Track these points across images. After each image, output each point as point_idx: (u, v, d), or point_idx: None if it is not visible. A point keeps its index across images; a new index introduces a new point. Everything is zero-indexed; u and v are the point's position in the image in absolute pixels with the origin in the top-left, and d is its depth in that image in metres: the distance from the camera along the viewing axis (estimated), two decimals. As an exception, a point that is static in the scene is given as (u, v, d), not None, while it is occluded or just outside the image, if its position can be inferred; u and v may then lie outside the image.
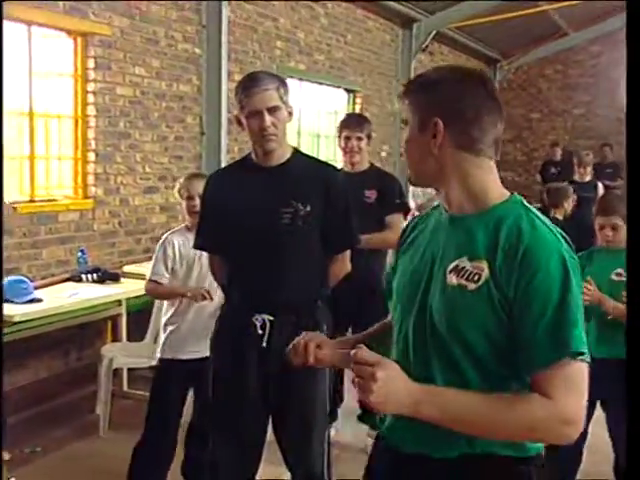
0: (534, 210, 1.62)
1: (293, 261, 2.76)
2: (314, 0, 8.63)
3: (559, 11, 12.67)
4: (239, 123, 2.78)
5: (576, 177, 7.98)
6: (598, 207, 3.67)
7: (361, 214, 3.95)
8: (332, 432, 4.38)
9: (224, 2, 6.84)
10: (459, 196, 1.63)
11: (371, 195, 4.17)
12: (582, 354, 1.48)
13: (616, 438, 3.55)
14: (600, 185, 8.18)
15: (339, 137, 4.41)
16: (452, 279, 1.57)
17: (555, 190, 5.96)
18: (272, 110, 2.67)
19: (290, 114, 2.79)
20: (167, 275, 3.62)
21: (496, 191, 1.63)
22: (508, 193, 1.65)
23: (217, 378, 2.90)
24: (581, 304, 1.52)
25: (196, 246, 3.06)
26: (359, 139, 4.25)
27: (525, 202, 1.64)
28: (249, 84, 2.70)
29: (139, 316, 5.47)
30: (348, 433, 4.63)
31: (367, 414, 4.04)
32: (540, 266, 1.48)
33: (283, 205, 2.72)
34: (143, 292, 5.25)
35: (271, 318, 2.73)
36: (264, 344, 2.72)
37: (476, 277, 1.53)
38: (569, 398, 1.46)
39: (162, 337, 3.74)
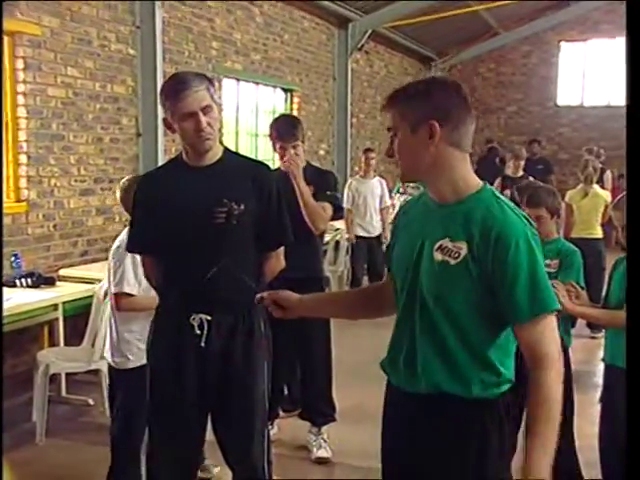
0: (503, 198, 1.99)
1: (230, 259, 2.73)
2: (249, 0, 8.63)
3: (490, 11, 12.97)
4: (169, 127, 2.75)
5: (509, 172, 8.14)
6: (524, 198, 3.74)
7: (299, 212, 3.98)
8: (275, 429, 4.43)
9: (158, 3, 6.78)
10: (445, 187, 1.99)
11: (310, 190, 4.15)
12: (557, 309, 1.94)
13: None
14: (532, 180, 8.40)
15: (273, 143, 4.32)
16: (437, 256, 1.96)
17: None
18: (206, 110, 2.66)
19: (221, 110, 2.79)
20: (137, 285, 3.40)
21: (473, 181, 2.01)
22: (482, 183, 2.01)
23: (155, 380, 2.87)
24: (545, 272, 1.95)
25: (130, 249, 3.03)
26: (294, 147, 4.19)
27: (495, 192, 2.01)
28: (179, 87, 2.66)
29: (76, 320, 5.40)
30: (289, 430, 4.66)
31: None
32: (511, 245, 1.87)
33: (217, 204, 2.71)
34: (80, 296, 5.25)
35: (209, 318, 2.72)
36: (202, 344, 2.72)
37: (456, 254, 1.93)
38: (552, 346, 1.90)
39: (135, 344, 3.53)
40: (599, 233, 7.16)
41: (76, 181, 6.28)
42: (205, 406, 2.82)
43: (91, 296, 5.09)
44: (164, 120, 2.78)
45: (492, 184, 7.03)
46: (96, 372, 4.92)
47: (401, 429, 2.09)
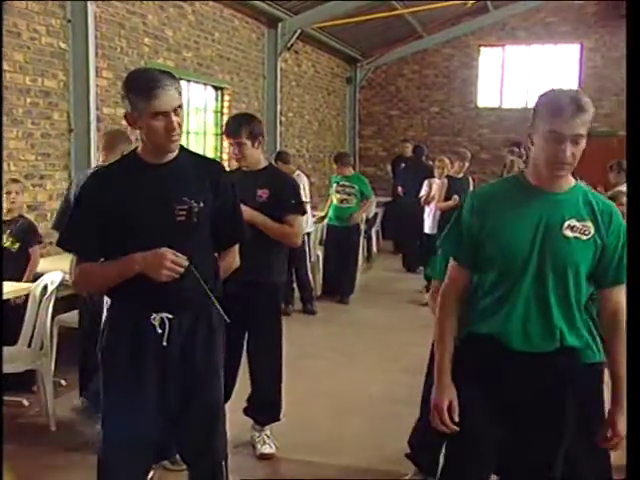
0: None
1: (190, 258, 2.68)
2: (181, -3, 8.61)
3: (415, 15, 13.27)
4: (132, 123, 2.68)
5: (452, 172, 8.64)
6: None
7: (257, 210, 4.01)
8: None
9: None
10: (566, 179, 2.48)
11: (263, 194, 4.14)
12: None
13: None
14: (471, 180, 8.80)
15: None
16: (568, 233, 2.43)
17: None
18: (177, 110, 2.64)
19: (181, 108, 2.77)
20: None
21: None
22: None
23: (111, 381, 2.82)
24: None
25: (62, 244, 2.85)
26: (239, 144, 4.19)
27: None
28: (151, 84, 2.59)
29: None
30: (234, 426, 4.68)
31: None
32: (620, 222, 2.49)
33: (177, 202, 2.68)
34: (14, 295, 5.12)
35: (170, 316, 2.71)
36: (164, 343, 2.70)
37: (587, 232, 2.44)
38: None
39: None
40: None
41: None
42: (167, 405, 2.80)
43: (26, 295, 5.01)
44: (126, 115, 2.70)
45: (423, 181, 7.30)
46: (30, 372, 4.82)
47: (528, 385, 2.51)
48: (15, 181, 5.60)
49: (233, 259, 2.98)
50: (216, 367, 2.85)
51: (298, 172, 8.46)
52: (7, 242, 5.30)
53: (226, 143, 8.74)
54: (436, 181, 8.91)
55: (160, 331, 2.70)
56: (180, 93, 2.67)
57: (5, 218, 5.32)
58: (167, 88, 2.59)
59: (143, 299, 2.70)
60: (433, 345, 3.85)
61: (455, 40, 15.28)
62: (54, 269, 5.21)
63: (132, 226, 2.69)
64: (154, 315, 2.70)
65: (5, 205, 5.28)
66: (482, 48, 15.46)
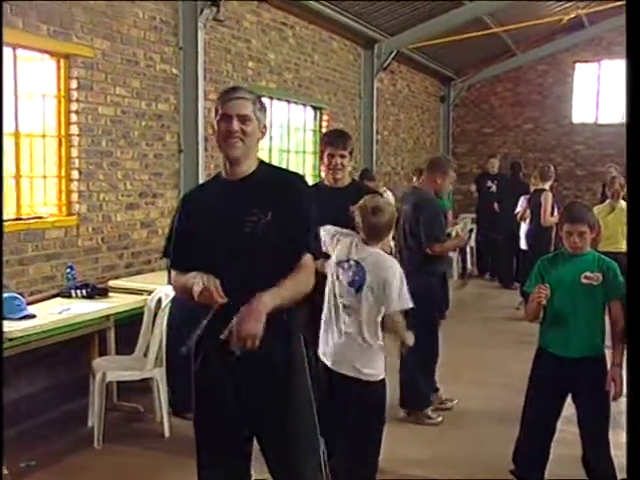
0: None
1: (258, 270, 2.71)
2: (283, 22, 8.88)
3: (508, 33, 13.22)
4: (213, 129, 2.84)
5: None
6: (566, 215, 3.94)
7: (347, 227, 4.00)
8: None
9: (200, 25, 7.05)
10: None
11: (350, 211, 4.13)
12: None
13: (585, 431, 3.87)
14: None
15: (322, 153, 4.48)
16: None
17: None
18: (242, 118, 2.73)
19: (262, 131, 2.84)
20: None
21: None
22: None
23: (197, 394, 2.89)
24: None
25: (173, 266, 2.93)
26: (342, 157, 4.34)
27: None
28: (227, 93, 2.82)
29: (124, 330, 5.56)
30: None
31: None
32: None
33: (246, 214, 2.72)
34: (130, 307, 5.42)
35: None
36: (238, 353, 2.65)
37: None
38: None
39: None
40: (624, 247, 7.36)
41: (122, 195, 6.52)
42: (246, 424, 2.82)
43: (141, 307, 5.29)
44: (211, 124, 2.90)
45: (519, 198, 7.35)
46: (145, 380, 5.09)
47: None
48: None
49: (304, 276, 2.79)
50: (296, 386, 2.80)
51: (384, 189, 8.60)
52: None
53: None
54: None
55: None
56: (254, 105, 2.78)
57: None
58: (238, 96, 2.77)
59: (218, 312, 2.70)
60: (534, 361, 3.95)
61: (549, 57, 15.12)
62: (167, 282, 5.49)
63: (207, 238, 2.78)
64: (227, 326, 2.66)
65: None
66: (577, 64, 15.24)
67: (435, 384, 5.43)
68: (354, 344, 3.79)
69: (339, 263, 3.88)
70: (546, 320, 3.88)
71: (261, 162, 2.89)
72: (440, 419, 5.26)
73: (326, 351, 3.88)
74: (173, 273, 2.89)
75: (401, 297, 3.79)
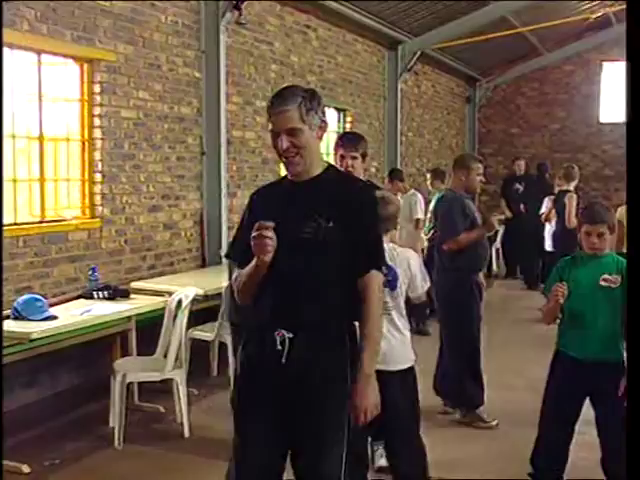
0: None
1: (316, 277, 2.66)
2: (306, 24, 8.91)
3: (534, 33, 13.12)
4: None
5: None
6: (585, 216, 3.90)
7: None
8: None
9: (222, 28, 7.10)
10: None
11: None
12: None
13: (604, 435, 3.82)
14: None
15: (335, 155, 4.49)
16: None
17: None
18: (290, 132, 2.61)
19: (320, 132, 2.70)
20: None
21: None
22: None
23: (238, 394, 2.86)
24: None
25: (230, 257, 2.97)
26: (353, 158, 4.33)
27: None
28: (272, 102, 2.67)
29: (144, 331, 5.61)
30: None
31: None
32: None
33: (307, 219, 2.66)
34: (151, 308, 5.47)
35: (290, 335, 2.66)
36: (283, 360, 2.66)
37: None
38: None
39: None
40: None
41: (145, 198, 6.59)
42: (283, 423, 2.75)
43: (162, 308, 5.32)
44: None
45: (544, 199, 7.25)
46: (165, 381, 5.12)
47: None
48: None
49: (370, 294, 2.70)
50: (334, 395, 2.72)
51: (413, 190, 8.61)
52: None
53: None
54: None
55: (280, 348, 2.67)
56: (301, 110, 2.62)
57: None
58: (282, 109, 2.62)
59: (269, 314, 2.72)
60: (551, 364, 3.92)
61: (576, 56, 15.00)
62: (189, 284, 5.55)
63: None
64: (277, 330, 2.68)
65: None
66: (604, 63, 15.09)
67: (483, 384, 5.39)
68: (393, 339, 3.84)
69: None
70: (564, 322, 3.85)
71: (329, 166, 2.80)
72: (495, 422, 5.24)
73: None
74: (234, 270, 2.87)
75: (425, 280, 3.96)
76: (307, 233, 2.65)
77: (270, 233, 2.57)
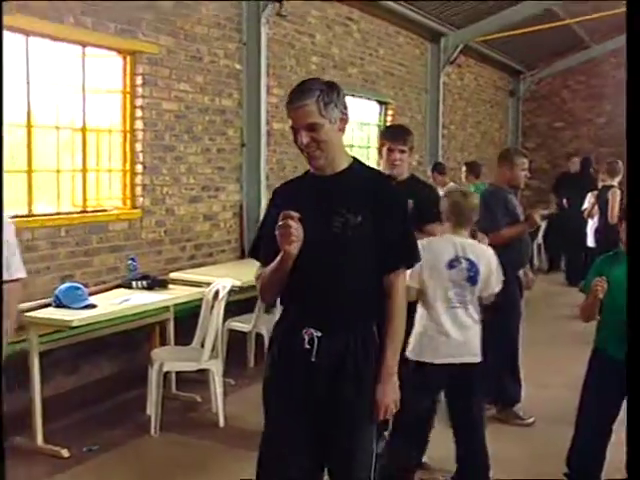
0: None
1: (344, 274, 2.62)
2: (348, 17, 8.89)
3: (581, 24, 12.87)
4: None
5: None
6: (624, 211, 3.89)
7: None
8: None
9: (263, 20, 7.12)
10: None
11: (408, 205, 4.20)
12: None
13: None
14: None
15: (381, 148, 4.46)
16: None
17: None
18: (310, 127, 2.56)
19: (342, 125, 2.64)
20: None
21: None
22: None
23: (267, 391, 2.83)
24: None
25: (253, 255, 2.88)
26: (402, 152, 4.29)
27: None
28: (290, 97, 2.61)
29: (183, 321, 5.69)
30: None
31: None
32: None
33: (335, 214, 2.61)
34: (189, 299, 5.52)
35: (319, 334, 2.63)
36: (313, 359, 2.63)
37: None
38: None
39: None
40: None
41: (185, 189, 6.65)
42: (313, 421, 2.72)
43: (199, 299, 5.38)
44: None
45: (586, 194, 7.12)
46: (202, 371, 5.17)
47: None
48: None
49: (396, 292, 2.69)
50: (364, 395, 2.69)
51: (451, 183, 8.55)
52: None
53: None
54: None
55: (308, 347, 2.64)
56: (319, 104, 2.55)
57: None
58: (300, 104, 2.56)
59: (301, 312, 2.70)
60: (589, 362, 3.86)
61: (623, 49, 14.65)
62: (228, 275, 5.59)
63: None
64: (306, 329, 2.65)
65: None
66: (653, 55, 14.76)
67: (520, 381, 5.35)
68: (470, 332, 3.96)
69: (451, 264, 3.91)
70: (602, 319, 3.80)
71: (354, 160, 2.75)
72: (531, 420, 5.20)
73: (438, 354, 3.92)
74: (258, 268, 2.80)
75: (498, 281, 4.03)
76: (335, 228, 2.60)
77: (295, 223, 2.51)
